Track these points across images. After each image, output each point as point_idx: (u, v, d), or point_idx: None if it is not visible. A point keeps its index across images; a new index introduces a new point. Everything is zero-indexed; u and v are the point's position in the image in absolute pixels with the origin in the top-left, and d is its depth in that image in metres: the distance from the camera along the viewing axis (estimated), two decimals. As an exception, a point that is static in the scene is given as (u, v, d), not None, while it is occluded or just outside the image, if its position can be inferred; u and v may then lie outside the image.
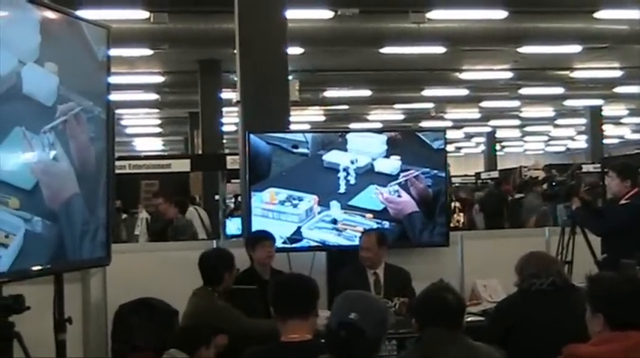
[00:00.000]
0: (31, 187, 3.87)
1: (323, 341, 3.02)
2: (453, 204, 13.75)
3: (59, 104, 4.08)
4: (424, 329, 3.25)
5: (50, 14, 4.10)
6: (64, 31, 4.17)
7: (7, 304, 3.59)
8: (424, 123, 26.80)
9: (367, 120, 26.63)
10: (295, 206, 6.35)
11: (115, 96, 4.75)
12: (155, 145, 33.63)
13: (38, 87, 3.93)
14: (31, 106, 3.89)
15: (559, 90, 20.94)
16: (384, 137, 6.56)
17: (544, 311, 3.94)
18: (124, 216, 12.60)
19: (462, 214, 13.18)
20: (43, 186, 3.94)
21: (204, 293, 4.99)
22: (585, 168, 18.88)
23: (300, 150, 6.44)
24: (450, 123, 27.93)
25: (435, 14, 11.82)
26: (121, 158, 14.67)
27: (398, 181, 6.44)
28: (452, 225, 12.56)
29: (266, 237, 5.91)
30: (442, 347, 3.16)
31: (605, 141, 27.86)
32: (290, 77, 7.46)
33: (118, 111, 20.20)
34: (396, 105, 24.20)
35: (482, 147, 36.37)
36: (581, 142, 32.35)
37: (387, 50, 13.53)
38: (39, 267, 3.97)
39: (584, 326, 3.15)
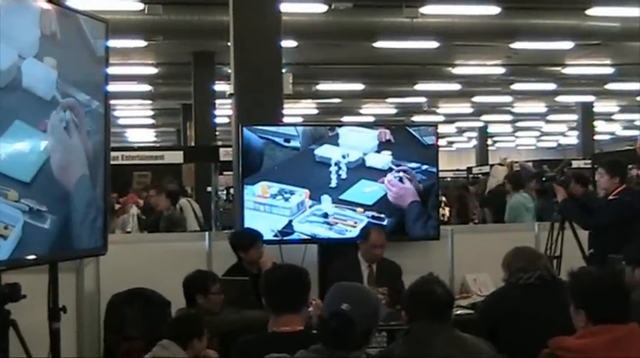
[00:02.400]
0: (30, 179, 3.92)
1: (314, 331, 3.08)
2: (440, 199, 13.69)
3: (58, 98, 4.13)
4: (413, 322, 3.30)
5: (49, 9, 4.13)
6: (62, 25, 4.20)
7: (4, 292, 3.64)
8: (416, 118, 26.87)
9: (360, 114, 26.67)
10: (287, 199, 6.40)
11: (108, 87, 4.80)
12: (147, 136, 33.59)
13: (38, 81, 3.98)
14: (31, 100, 3.94)
15: (551, 86, 21.01)
16: (375, 132, 6.61)
17: (532, 304, 3.99)
18: (117, 206, 12.57)
19: (447, 208, 13.20)
20: (40, 177, 3.98)
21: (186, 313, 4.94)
22: (576, 163, 18.95)
23: (292, 144, 6.48)
24: (442, 118, 28.00)
25: (428, 9, 11.87)
26: (113, 149, 14.66)
27: (394, 174, 6.48)
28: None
29: (257, 238, 5.92)
30: (431, 339, 3.22)
31: (596, 137, 27.97)
32: (283, 70, 7.50)
33: (111, 101, 20.16)
34: (389, 99, 24.24)
35: (474, 142, 36.46)
36: (573, 138, 32.44)
37: (380, 44, 13.56)
38: (34, 256, 4.02)
39: (571, 319, 3.21)
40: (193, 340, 4.20)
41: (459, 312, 5.38)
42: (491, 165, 22.97)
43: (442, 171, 13.60)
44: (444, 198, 13.63)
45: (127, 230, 11.73)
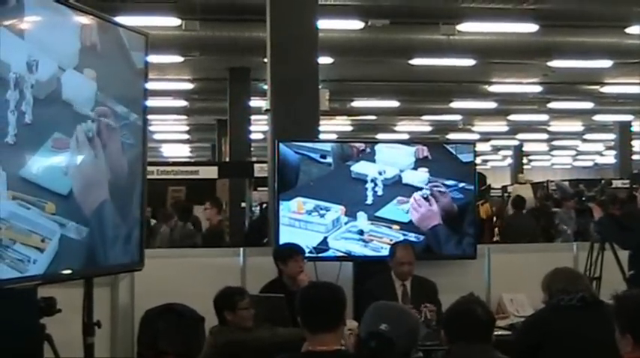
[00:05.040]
0: (67, 192, 3.91)
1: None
2: (495, 218, 13.29)
3: (96, 110, 4.14)
4: (453, 343, 3.24)
5: (90, 21, 4.14)
6: (103, 37, 4.21)
7: (40, 306, 3.63)
8: (452, 136, 26.76)
9: (394, 131, 26.61)
10: (322, 216, 6.36)
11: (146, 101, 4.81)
12: (182, 152, 33.81)
13: (77, 93, 3.97)
14: (70, 112, 3.94)
15: (588, 105, 20.81)
16: (412, 148, 6.56)
17: (575, 326, 3.91)
18: (153, 222, 12.60)
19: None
20: (77, 190, 3.98)
21: (218, 330, 4.90)
22: (614, 184, 18.72)
23: (329, 160, 6.45)
24: (477, 136, 27.84)
25: (465, 26, 11.81)
26: (148, 164, 14.75)
27: (422, 193, 6.41)
28: (495, 239, 12.19)
29: (298, 251, 5.88)
30: (470, 361, 3.16)
31: (634, 156, 27.64)
32: (319, 86, 7.49)
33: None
34: (424, 117, 24.17)
35: (509, 161, 36.24)
36: (610, 157, 32.13)
37: (416, 61, 13.53)
38: (70, 271, 4.02)
39: (615, 341, 3.12)
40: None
41: (496, 333, 5.28)
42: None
43: (491, 188, 13.20)
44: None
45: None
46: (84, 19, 4.10)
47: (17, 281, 3.53)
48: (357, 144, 6.77)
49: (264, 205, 14.65)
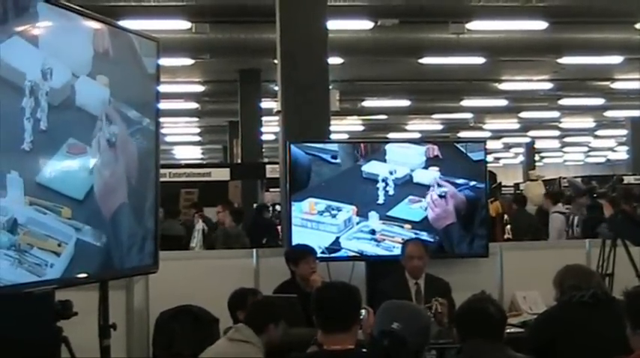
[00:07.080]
0: (83, 197, 3.98)
1: (364, 350, 3.05)
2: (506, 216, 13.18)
3: (108, 116, 4.19)
4: (466, 340, 3.26)
5: (102, 28, 4.20)
6: (115, 43, 4.26)
7: (56, 309, 3.68)
8: (463, 134, 26.73)
9: (405, 130, 26.60)
10: (334, 216, 6.38)
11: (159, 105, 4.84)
12: (194, 154, 33.89)
13: (90, 99, 4.03)
14: (84, 118, 4.00)
15: (599, 101, 20.74)
16: (422, 148, 6.58)
17: (587, 323, 3.92)
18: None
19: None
20: (96, 194, 4.04)
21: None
22: (626, 179, 18.65)
23: (340, 160, 6.48)
24: (488, 134, 27.80)
25: (474, 25, 11.80)
26: (161, 166, 14.82)
27: (439, 191, 6.43)
28: (506, 236, 12.09)
29: (309, 252, 5.91)
30: (483, 358, 3.18)
31: (646, 152, 27.52)
32: (330, 87, 7.51)
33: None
34: (435, 116, 24.14)
35: (520, 158, 36.16)
36: (622, 153, 32.00)
37: (426, 60, 13.53)
38: (86, 274, 4.07)
39: (627, 338, 3.14)
40: (269, 325, 4.21)
41: (509, 330, 5.29)
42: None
43: (502, 186, 13.00)
44: None
45: (191, 245, 11.81)
46: (96, 26, 4.15)
47: (35, 285, 3.59)
48: (366, 145, 6.80)
49: (277, 206, 14.70)
